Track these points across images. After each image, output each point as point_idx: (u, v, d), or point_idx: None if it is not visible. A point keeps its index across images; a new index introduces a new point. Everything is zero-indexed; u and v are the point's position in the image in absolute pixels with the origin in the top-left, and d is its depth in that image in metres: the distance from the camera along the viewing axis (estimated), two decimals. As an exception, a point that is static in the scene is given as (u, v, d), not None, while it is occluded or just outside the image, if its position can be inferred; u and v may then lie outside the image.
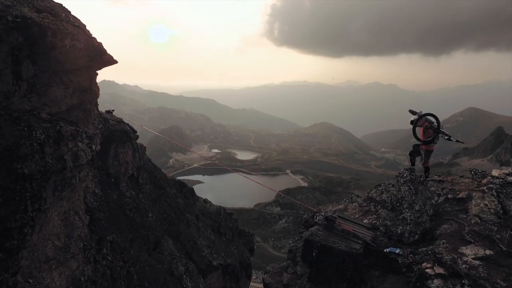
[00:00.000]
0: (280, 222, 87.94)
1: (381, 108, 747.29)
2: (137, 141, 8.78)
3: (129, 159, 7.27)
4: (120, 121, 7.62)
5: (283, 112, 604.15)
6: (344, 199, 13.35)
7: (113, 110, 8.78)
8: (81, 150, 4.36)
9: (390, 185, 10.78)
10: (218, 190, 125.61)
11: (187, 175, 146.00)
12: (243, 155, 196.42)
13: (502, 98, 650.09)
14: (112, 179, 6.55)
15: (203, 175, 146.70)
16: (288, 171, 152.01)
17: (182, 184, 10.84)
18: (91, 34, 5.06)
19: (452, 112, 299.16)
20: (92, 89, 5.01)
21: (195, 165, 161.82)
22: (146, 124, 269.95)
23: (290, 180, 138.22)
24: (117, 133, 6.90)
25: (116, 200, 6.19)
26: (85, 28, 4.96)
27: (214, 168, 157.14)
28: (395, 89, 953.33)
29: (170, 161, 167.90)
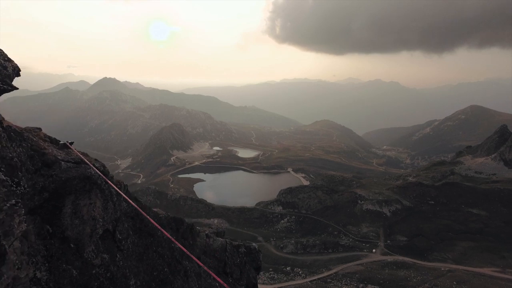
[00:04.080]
0: (282, 221, 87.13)
1: (382, 106, 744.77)
2: (113, 182, 6.48)
3: (98, 213, 5.36)
4: (79, 162, 5.61)
5: (284, 109, 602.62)
6: None
7: (71, 143, 6.49)
8: None
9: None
10: (219, 188, 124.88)
11: (188, 173, 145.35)
12: (245, 153, 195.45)
13: (504, 95, 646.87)
14: (72, 245, 4.84)
15: (204, 173, 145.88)
16: (289, 169, 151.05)
17: (178, 221, 8.67)
18: None
19: (454, 110, 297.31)
20: None
21: (196, 163, 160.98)
22: (148, 121, 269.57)
23: (292, 179, 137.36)
24: (74, 182, 5.00)
25: (76, 278, 4.48)
26: None
27: (216, 166, 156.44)
28: (397, 86, 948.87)
29: (171, 158, 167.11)
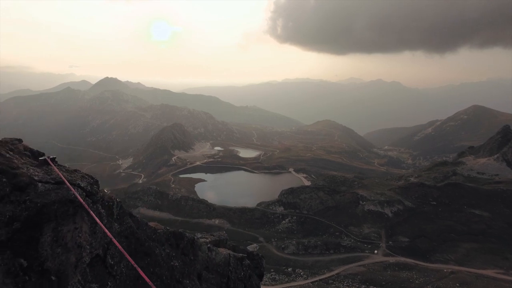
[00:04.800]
0: (284, 222, 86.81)
1: (384, 106, 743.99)
2: (106, 198, 5.85)
3: (85, 239, 4.82)
4: (60, 182, 4.85)
5: (285, 109, 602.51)
6: None
7: (53, 158, 5.60)
8: None
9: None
10: (220, 188, 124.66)
11: (189, 173, 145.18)
12: (246, 153, 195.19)
13: (507, 95, 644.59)
14: (53, 277, 4.22)
15: (206, 173, 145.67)
16: (291, 170, 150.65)
17: (178, 236, 7.69)
18: None
19: (456, 110, 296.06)
20: None
21: (198, 163, 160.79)
22: (149, 121, 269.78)
23: (293, 179, 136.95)
24: (54, 207, 4.38)
25: (57, 317, 4.17)
26: None
27: (217, 166, 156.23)
28: (399, 86, 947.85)
29: (173, 158, 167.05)
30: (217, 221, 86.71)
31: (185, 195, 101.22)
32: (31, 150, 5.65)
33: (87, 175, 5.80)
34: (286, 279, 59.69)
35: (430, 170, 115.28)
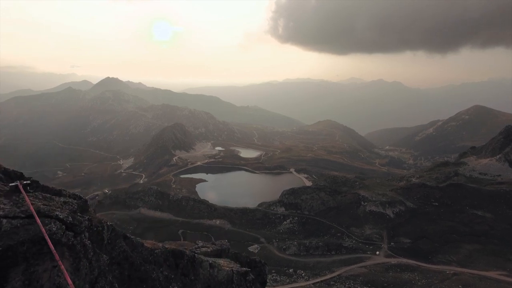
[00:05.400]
0: (285, 222, 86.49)
1: (385, 106, 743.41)
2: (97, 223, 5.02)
3: (65, 279, 3.94)
4: (30, 216, 3.96)
5: (286, 109, 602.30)
6: None
7: (27, 183, 4.60)
8: None
9: None
10: (221, 189, 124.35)
11: (190, 173, 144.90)
12: (247, 153, 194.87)
13: (508, 95, 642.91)
14: None
15: (206, 173, 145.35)
16: (292, 170, 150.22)
17: (177, 254, 6.99)
18: None
19: (458, 110, 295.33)
20: None
21: (199, 163, 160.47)
22: (150, 121, 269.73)
23: (294, 179, 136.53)
24: (22, 248, 3.51)
25: None
26: None
27: (218, 166, 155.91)
28: (400, 86, 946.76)
29: (173, 158, 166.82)
30: (218, 222, 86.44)
31: (186, 196, 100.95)
32: (5, 171, 4.83)
33: (73, 196, 4.97)
34: (288, 280, 59.39)
35: (432, 170, 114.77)
